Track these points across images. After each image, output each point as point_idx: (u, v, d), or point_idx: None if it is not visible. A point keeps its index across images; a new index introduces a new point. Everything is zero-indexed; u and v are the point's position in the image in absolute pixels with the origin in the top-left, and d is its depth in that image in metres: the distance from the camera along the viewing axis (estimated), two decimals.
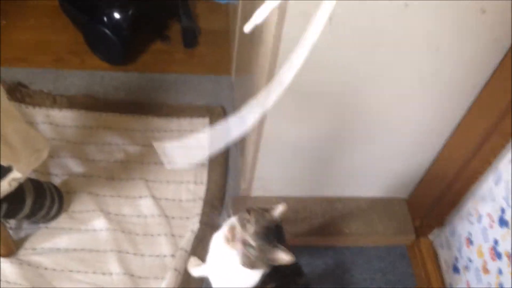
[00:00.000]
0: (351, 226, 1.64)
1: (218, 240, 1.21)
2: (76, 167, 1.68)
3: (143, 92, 1.91)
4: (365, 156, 1.50)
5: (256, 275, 1.16)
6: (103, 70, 1.95)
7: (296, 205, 1.66)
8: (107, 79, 1.93)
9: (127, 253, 1.53)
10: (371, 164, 1.54)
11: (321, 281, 1.58)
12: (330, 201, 1.69)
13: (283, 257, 1.09)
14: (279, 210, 1.15)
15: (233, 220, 1.14)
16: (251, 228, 1.10)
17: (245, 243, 1.09)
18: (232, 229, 1.12)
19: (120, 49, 1.91)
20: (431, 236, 1.64)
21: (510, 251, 1.23)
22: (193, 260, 1.52)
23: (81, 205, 1.60)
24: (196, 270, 1.48)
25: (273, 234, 1.11)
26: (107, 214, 1.59)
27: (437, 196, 1.49)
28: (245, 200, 1.66)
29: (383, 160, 1.53)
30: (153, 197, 1.65)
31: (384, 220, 1.65)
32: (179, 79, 1.96)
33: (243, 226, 1.11)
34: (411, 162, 1.54)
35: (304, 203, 1.67)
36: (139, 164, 1.71)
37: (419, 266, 1.60)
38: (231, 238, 1.11)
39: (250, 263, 1.10)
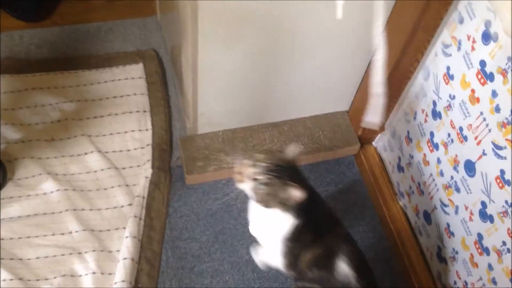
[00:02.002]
0: (299, 146, 1.68)
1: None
2: (12, 134, 1.61)
3: (67, 46, 1.82)
4: (302, 74, 1.52)
5: (286, 223, 1.18)
6: (20, 29, 1.83)
7: (244, 134, 1.69)
8: (26, 38, 1.82)
9: (83, 210, 1.52)
10: (309, 81, 1.57)
11: None
12: (277, 126, 1.72)
13: (294, 193, 1.10)
14: (291, 149, 1.16)
15: (243, 160, 1.15)
16: (262, 165, 1.11)
17: (254, 179, 1.11)
18: (242, 166, 1.13)
19: (31, 2, 1.78)
20: (374, 143, 1.73)
21: (445, 140, 1.32)
22: None
23: (26, 171, 1.56)
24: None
25: (285, 172, 1.12)
26: (54, 176, 1.55)
27: None
28: (193, 138, 1.66)
29: (319, 76, 1.55)
30: (99, 151, 1.62)
31: (329, 134, 1.71)
32: (103, 27, 1.88)
33: (254, 163, 1.12)
34: (345, 73, 1.58)
35: (252, 132, 1.70)
36: (77, 120, 1.66)
37: (367, 172, 1.69)
38: (241, 175, 1.12)
39: (262, 200, 1.13)
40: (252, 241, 1.55)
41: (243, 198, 1.61)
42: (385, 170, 1.67)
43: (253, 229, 1.34)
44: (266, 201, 1.13)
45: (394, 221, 1.59)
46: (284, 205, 1.13)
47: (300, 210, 1.16)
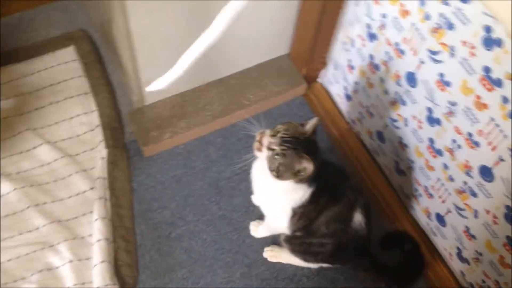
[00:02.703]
0: (248, 97, 1.71)
1: (257, 165, 1.25)
2: None
3: None
4: (237, 24, 1.53)
5: (300, 192, 1.20)
6: None
7: (193, 96, 1.68)
8: None
9: (45, 203, 1.48)
10: (245, 30, 1.57)
11: (243, 153, 1.65)
12: (223, 82, 1.73)
13: (306, 165, 1.11)
14: (311, 123, 1.16)
15: (264, 130, 1.17)
16: (279, 135, 1.13)
17: (271, 149, 1.12)
18: (261, 135, 1.15)
19: None
20: (319, 79, 1.77)
21: (385, 59, 1.38)
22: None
23: None
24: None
25: (302, 145, 1.13)
26: (7, 176, 1.50)
27: (312, 39, 1.57)
28: (142, 110, 1.64)
29: (254, 23, 1.56)
30: (49, 143, 1.57)
31: (276, 80, 1.74)
32: (24, 18, 1.79)
33: (273, 134, 1.14)
34: (279, 15, 1.60)
35: (200, 92, 1.70)
36: (19, 116, 1.60)
37: (318, 108, 1.73)
38: (257, 143, 1.14)
39: (277, 171, 1.13)
40: (222, 196, 1.58)
41: (205, 159, 1.63)
42: (334, 103, 1.72)
43: (258, 199, 1.36)
44: (280, 172, 1.14)
45: (351, 149, 1.65)
46: (297, 176, 1.14)
47: (314, 177, 1.17)
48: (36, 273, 1.38)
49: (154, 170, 1.61)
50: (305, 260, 1.43)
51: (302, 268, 1.49)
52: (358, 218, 1.28)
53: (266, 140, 1.14)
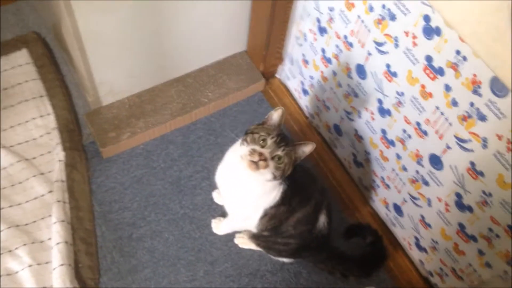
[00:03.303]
0: (207, 94, 1.70)
1: (228, 170, 1.21)
2: None
3: None
4: (189, 22, 1.52)
5: (275, 191, 1.19)
6: None
7: (150, 96, 1.68)
8: None
9: (3, 208, 1.46)
10: (199, 28, 1.57)
11: (203, 151, 1.66)
12: (181, 80, 1.72)
13: (305, 149, 1.11)
14: (275, 115, 1.13)
15: (243, 148, 1.11)
16: (270, 141, 1.09)
17: (273, 158, 1.09)
18: (255, 153, 1.08)
19: None
20: (277, 74, 1.78)
21: (336, 52, 1.39)
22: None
23: None
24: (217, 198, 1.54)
25: (285, 136, 1.12)
26: None
27: (267, 34, 1.58)
28: (99, 111, 1.62)
29: (207, 20, 1.56)
30: (4, 147, 1.54)
31: (234, 77, 1.74)
32: None
33: (263, 144, 1.09)
34: (232, 11, 1.60)
35: (157, 92, 1.69)
36: None
37: (277, 103, 1.74)
38: (261, 162, 1.08)
39: (281, 173, 1.11)
40: (184, 195, 1.58)
41: (165, 158, 1.63)
42: (293, 98, 1.74)
43: (226, 200, 1.34)
44: (285, 171, 1.12)
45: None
46: (292, 167, 1.13)
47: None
48: None
49: (113, 171, 1.60)
50: (268, 253, 1.45)
51: (265, 264, 1.50)
52: (322, 219, 1.31)
53: (267, 153, 1.09)
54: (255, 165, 1.08)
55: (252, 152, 1.08)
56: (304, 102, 1.68)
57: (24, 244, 1.41)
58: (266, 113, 1.75)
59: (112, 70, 1.52)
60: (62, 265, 1.37)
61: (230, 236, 1.52)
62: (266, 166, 1.08)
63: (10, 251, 1.40)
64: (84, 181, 1.55)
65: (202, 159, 1.65)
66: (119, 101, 1.64)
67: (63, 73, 1.70)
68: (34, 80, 1.65)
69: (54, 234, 1.42)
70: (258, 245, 1.44)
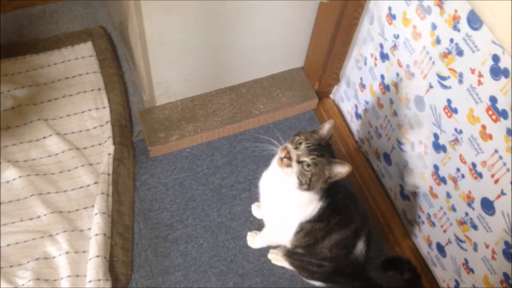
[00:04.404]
0: (259, 106, 1.70)
1: (270, 176, 1.22)
2: None
3: (12, 32, 1.78)
4: (251, 34, 1.53)
5: (313, 205, 1.17)
6: None
7: (203, 101, 1.69)
8: None
9: (49, 193, 1.51)
10: (260, 40, 1.57)
11: (247, 162, 1.66)
12: (234, 89, 1.73)
13: (340, 169, 1.10)
14: (326, 127, 1.14)
15: (285, 144, 1.14)
16: (303, 146, 1.10)
17: (300, 161, 1.09)
18: (285, 150, 1.11)
19: None
20: (331, 95, 1.76)
21: (395, 80, 1.36)
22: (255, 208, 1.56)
23: None
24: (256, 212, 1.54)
25: (325, 150, 1.11)
26: (15, 163, 1.53)
27: (326, 54, 1.56)
28: (152, 110, 1.66)
29: (269, 33, 1.56)
30: (58, 134, 1.60)
31: (287, 92, 1.73)
32: (47, 10, 1.83)
33: (295, 146, 1.11)
34: (295, 27, 1.59)
35: (211, 98, 1.70)
36: (32, 105, 1.63)
37: None
38: (285, 159, 1.10)
39: (308, 182, 1.10)
40: (223, 204, 1.58)
41: (209, 164, 1.64)
42: (345, 120, 1.71)
43: (265, 210, 1.33)
44: (312, 182, 1.11)
45: (358, 168, 1.63)
46: (325, 183, 1.12)
47: (327, 191, 1.15)
48: (33, 261, 1.40)
49: (158, 171, 1.62)
50: (300, 274, 1.42)
51: (296, 284, 1.48)
52: (360, 246, 1.27)
53: (294, 154, 1.10)
54: (281, 160, 1.11)
55: (283, 148, 1.12)
56: (356, 126, 1.65)
57: (65, 231, 1.45)
58: None
59: (170, 72, 1.55)
60: (98, 256, 1.40)
61: (264, 251, 1.51)
62: (289, 166, 1.10)
63: (50, 235, 1.45)
64: (129, 176, 1.58)
65: (246, 170, 1.64)
66: (172, 102, 1.67)
67: (123, 70, 1.75)
68: (94, 73, 1.71)
69: (94, 225, 1.45)
70: (291, 263, 1.42)
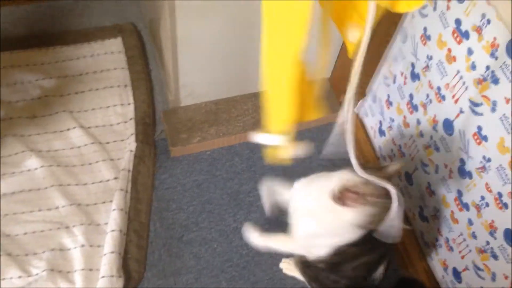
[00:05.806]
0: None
1: (312, 192, 1.16)
2: None
3: (44, 23, 1.80)
4: None
5: (359, 232, 1.12)
6: None
7: (227, 105, 1.69)
8: (1, 16, 1.78)
9: (69, 185, 1.52)
10: None
11: (266, 169, 1.65)
12: (259, 96, 1.72)
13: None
14: (394, 168, 1.08)
15: (345, 176, 1.06)
16: (370, 187, 1.02)
17: (365, 203, 1.02)
18: (344, 187, 1.03)
19: None
20: (356, 109, 1.74)
21: (424, 101, 1.34)
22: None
23: (9, 149, 1.55)
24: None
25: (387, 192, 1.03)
26: (38, 153, 1.55)
27: None
28: (176, 111, 1.66)
29: None
30: (82, 127, 1.61)
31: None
32: (79, 3, 1.85)
33: (366, 181, 1.01)
34: None
35: (235, 103, 1.70)
36: (58, 97, 1.65)
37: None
38: (344, 197, 1.03)
39: (368, 224, 1.05)
40: (239, 209, 1.58)
41: (228, 168, 1.63)
42: (367, 136, 1.70)
43: (294, 227, 1.25)
44: (372, 224, 1.05)
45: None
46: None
47: None
48: (48, 251, 1.41)
49: (177, 171, 1.63)
50: (310, 285, 1.41)
51: None
52: (380, 271, 1.26)
53: (366, 191, 1.01)
54: (361, 199, 1.04)
55: (344, 187, 1.05)
56: (378, 142, 1.64)
57: (82, 224, 1.46)
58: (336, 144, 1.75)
59: (197, 74, 1.55)
60: (112, 252, 1.40)
61: (277, 260, 1.50)
62: (363, 204, 1.04)
63: (67, 227, 1.46)
64: (148, 175, 1.58)
65: (264, 177, 1.64)
66: (197, 104, 1.67)
67: (150, 68, 1.76)
68: (122, 69, 1.72)
69: (111, 220, 1.46)
70: (304, 273, 1.40)
